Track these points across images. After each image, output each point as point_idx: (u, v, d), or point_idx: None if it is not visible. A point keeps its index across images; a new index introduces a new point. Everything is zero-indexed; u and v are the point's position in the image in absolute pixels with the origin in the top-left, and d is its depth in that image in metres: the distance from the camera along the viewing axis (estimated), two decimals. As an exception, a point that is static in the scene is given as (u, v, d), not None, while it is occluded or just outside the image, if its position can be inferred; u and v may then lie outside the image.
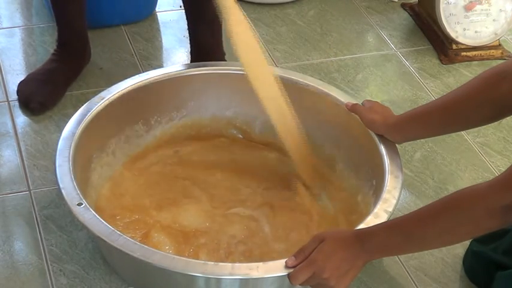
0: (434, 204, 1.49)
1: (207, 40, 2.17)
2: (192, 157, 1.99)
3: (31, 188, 1.91)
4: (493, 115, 1.67)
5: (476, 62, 2.46)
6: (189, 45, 2.22)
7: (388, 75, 2.39)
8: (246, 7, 2.55)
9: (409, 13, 2.64)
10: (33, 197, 1.89)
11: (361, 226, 1.60)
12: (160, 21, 2.51)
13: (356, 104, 1.86)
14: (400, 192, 1.71)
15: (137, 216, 1.81)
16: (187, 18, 2.17)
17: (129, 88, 1.92)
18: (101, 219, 1.59)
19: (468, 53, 2.47)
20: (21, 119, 2.11)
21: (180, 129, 2.02)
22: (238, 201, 1.88)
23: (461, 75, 2.40)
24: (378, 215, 1.64)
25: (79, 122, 1.81)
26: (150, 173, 1.94)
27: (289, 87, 1.95)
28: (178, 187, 1.91)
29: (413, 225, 1.49)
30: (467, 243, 1.80)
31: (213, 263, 1.58)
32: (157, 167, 1.96)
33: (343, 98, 1.94)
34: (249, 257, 1.76)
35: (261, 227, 1.83)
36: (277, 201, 1.89)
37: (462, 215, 1.43)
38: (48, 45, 2.34)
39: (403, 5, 2.68)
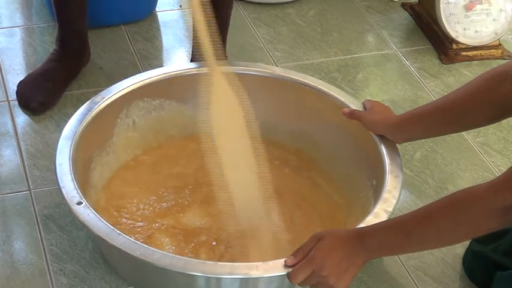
0: (434, 205, 1.49)
1: None
2: (197, 159, 1.99)
3: (31, 188, 1.91)
4: (494, 116, 1.67)
5: (476, 61, 2.46)
6: (188, 45, 2.21)
7: (388, 75, 2.39)
8: (246, 7, 2.55)
9: (409, 13, 2.64)
10: (33, 197, 1.89)
11: (361, 225, 1.60)
12: (160, 21, 2.51)
13: (353, 109, 1.85)
14: (400, 192, 1.71)
15: (141, 223, 1.81)
16: None
17: (130, 88, 1.92)
18: (101, 218, 1.59)
19: (468, 53, 2.47)
20: (21, 118, 2.10)
21: (179, 128, 2.02)
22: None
23: (462, 75, 2.40)
24: (378, 215, 1.64)
25: (79, 121, 1.80)
26: (146, 173, 1.94)
27: (289, 87, 1.95)
28: (179, 188, 1.91)
29: (413, 224, 1.49)
30: (467, 243, 1.80)
31: (212, 262, 1.58)
32: (154, 167, 1.96)
33: (344, 97, 1.94)
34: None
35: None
36: (288, 188, 1.90)
37: (462, 215, 1.43)
38: (48, 44, 2.34)
39: (403, 5, 2.68)
